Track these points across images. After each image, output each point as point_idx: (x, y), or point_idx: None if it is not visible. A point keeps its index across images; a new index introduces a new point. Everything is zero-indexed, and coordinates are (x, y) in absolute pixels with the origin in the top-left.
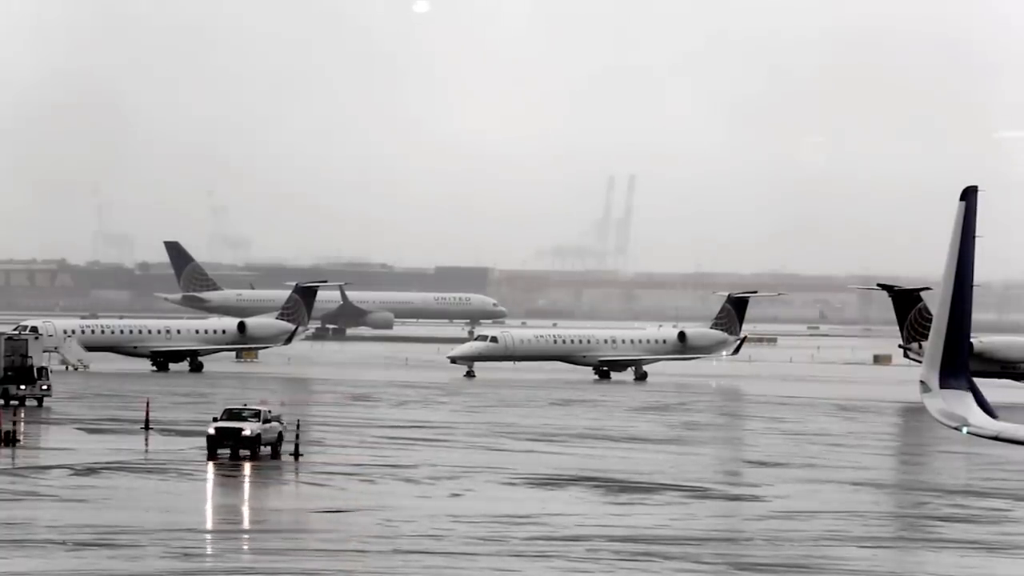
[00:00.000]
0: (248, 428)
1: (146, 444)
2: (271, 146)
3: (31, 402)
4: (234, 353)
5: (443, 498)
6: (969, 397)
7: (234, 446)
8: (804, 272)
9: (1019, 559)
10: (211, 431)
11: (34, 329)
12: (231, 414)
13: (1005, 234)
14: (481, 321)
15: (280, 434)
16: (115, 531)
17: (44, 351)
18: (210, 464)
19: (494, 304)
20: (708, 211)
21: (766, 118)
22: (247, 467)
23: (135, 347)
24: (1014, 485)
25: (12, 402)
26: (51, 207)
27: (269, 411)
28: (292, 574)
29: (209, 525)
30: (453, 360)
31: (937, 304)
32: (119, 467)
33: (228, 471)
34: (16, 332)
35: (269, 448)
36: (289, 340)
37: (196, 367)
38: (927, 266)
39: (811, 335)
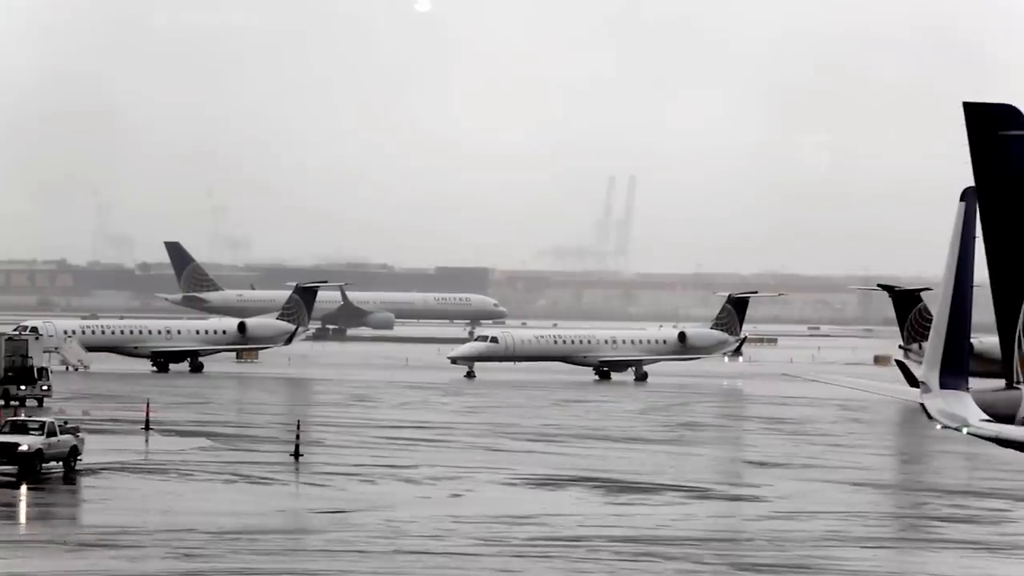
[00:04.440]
0: (25, 443)
1: (146, 444)
2: (271, 146)
3: (31, 402)
4: (234, 353)
5: (444, 498)
6: (968, 398)
7: (12, 462)
8: (804, 272)
9: (1019, 559)
10: None
11: (34, 329)
12: (14, 426)
13: None
14: (481, 321)
15: (74, 447)
16: (116, 531)
17: (44, 351)
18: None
19: (494, 304)
20: (708, 211)
21: (766, 119)
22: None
23: (135, 347)
24: (1014, 485)
25: (12, 402)
26: (51, 207)
27: (65, 422)
28: (292, 574)
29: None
30: (453, 360)
31: (937, 305)
32: (119, 467)
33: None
34: (16, 332)
35: (60, 463)
36: (289, 340)
37: (196, 367)
38: (927, 266)
39: (811, 335)
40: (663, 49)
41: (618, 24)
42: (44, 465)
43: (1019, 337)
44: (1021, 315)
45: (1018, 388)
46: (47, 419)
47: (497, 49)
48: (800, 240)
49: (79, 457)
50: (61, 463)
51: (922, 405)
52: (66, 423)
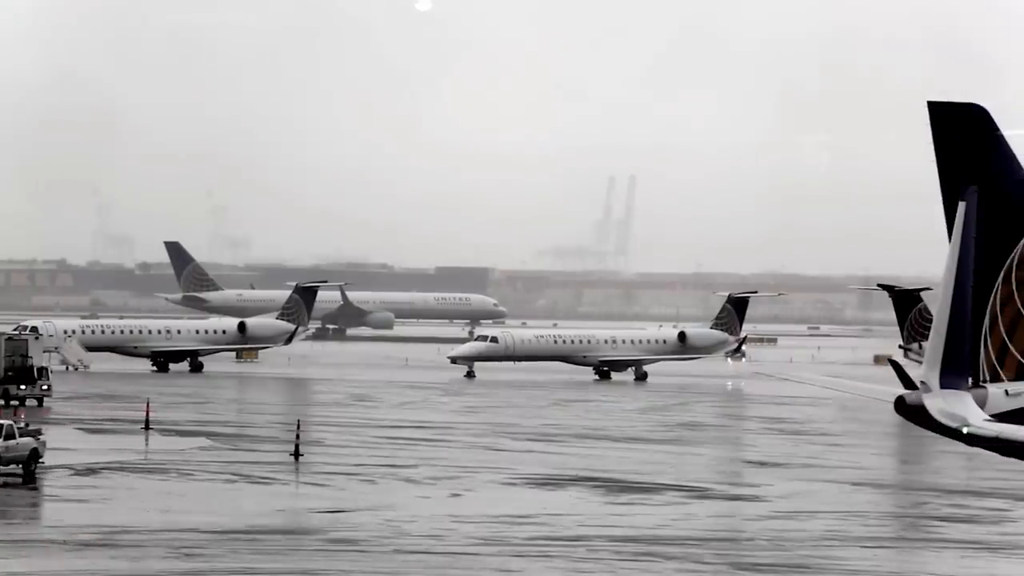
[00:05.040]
0: None
1: (146, 444)
2: (271, 146)
3: (31, 402)
4: (234, 353)
5: (443, 498)
6: (969, 397)
7: None
8: (804, 272)
9: (1019, 559)
10: None
11: (34, 329)
12: None
13: None
14: (481, 321)
15: (34, 450)
16: (116, 531)
17: (44, 351)
18: None
19: (494, 304)
20: (708, 211)
21: (766, 119)
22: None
23: (135, 347)
24: (1014, 485)
25: (12, 402)
26: (51, 207)
27: (25, 424)
28: (292, 574)
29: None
30: (453, 360)
31: (937, 304)
32: (119, 467)
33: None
34: (16, 332)
35: (20, 467)
36: (289, 340)
37: (196, 367)
38: (927, 266)
39: (811, 335)
40: (663, 49)
41: (618, 24)
42: (3, 468)
43: (985, 336)
44: (987, 315)
45: (983, 387)
46: (5, 422)
47: (497, 49)
48: (800, 240)
49: (40, 460)
50: (20, 466)
51: (895, 405)
52: (27, 425)
